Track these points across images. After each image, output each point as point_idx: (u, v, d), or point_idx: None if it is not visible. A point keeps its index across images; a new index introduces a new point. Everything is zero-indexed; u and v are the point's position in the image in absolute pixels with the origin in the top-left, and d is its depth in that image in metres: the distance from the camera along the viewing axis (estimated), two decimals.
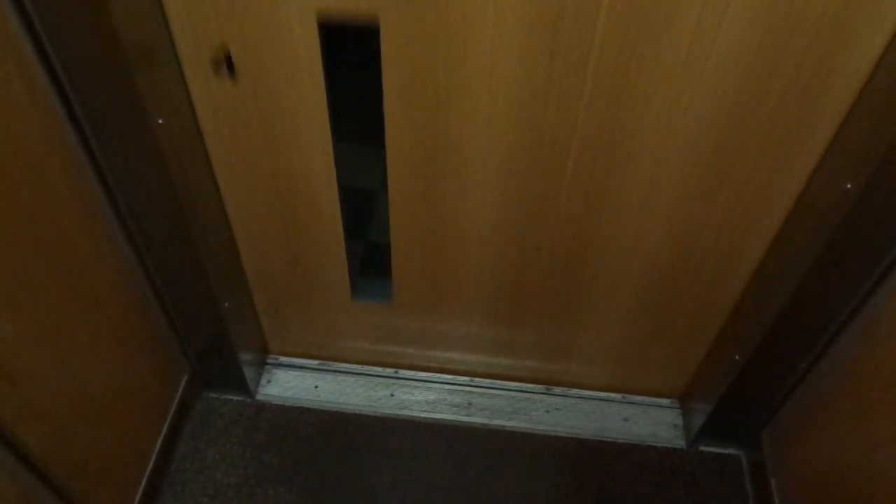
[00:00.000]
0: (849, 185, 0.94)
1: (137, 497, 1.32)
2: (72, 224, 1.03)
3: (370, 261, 1.42)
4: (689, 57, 0.91)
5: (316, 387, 1.59)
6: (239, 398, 1.56)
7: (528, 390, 1.61)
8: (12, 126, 0.87)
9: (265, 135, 1.09)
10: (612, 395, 1.60)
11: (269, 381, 1.60)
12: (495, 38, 0.91)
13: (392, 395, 1.58)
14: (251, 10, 0.92)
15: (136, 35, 0.90)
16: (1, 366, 0.90)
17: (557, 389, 1.61)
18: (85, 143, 1.02)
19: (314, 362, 1.63)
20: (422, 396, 1.59)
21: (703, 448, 1.53)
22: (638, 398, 1.60)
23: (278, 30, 0.94)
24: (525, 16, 0.88)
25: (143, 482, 1.34)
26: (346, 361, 1.62)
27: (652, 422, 1.57)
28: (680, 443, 1.54)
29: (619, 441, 1.54)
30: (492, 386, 1.61)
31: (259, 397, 1.57)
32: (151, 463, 1.37)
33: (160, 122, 0.98)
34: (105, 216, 1.11)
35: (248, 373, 1.51)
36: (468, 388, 1.61)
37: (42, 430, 1.00)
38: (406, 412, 1.56)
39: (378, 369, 1.62)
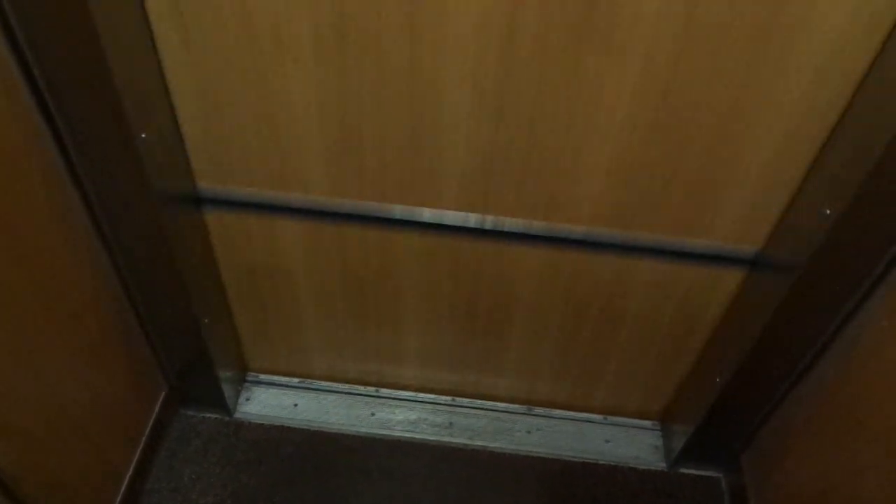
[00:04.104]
0: (828, 211, 0.95)
1: None
2: (50, 237, 1.01)
3: None
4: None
5: (296, 405, 1.57)
6: (217, 416, 1.54)
7: (510, 410, 1.60)
8: None
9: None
10: (594, 416, 1.60)
11: (248, 400, 1.57)
12: None
13: (373, 414, 1.57)
14: None
15: (123, 58, 0.89)
16: None
17: (539, 410, 1.60)
18: (65, 156, 1.01)
19: (294, 380, 1.61)
20: (403, 416, 1.57)
21: (683, 470, 1.53)
22: (619, 419, 1.60)
23: None
24: None
25: (117, 501, 1.31)
26: (327, 380, 1.61)
27: (633, 443, 1.56)
28: (661, 465, 1.53)
29: (601, 463, 1.53)
30: (474, 406, 1.60)
31: (238, 416, 1.55)
32: (126, 482, 1.34)
33: (143, 136, 0.98)
34: (84, 230, 1.09)
35: (227, 391, 1.49)
36: (450, 408, 1.59)
37: (13, 447, 0.98)
38: (387, 432, 1.54)
39: (359, 388, 1.61)
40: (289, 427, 1.53)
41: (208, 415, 1.53)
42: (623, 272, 1.22)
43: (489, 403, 1.60)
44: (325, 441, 1.52)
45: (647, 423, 1.60)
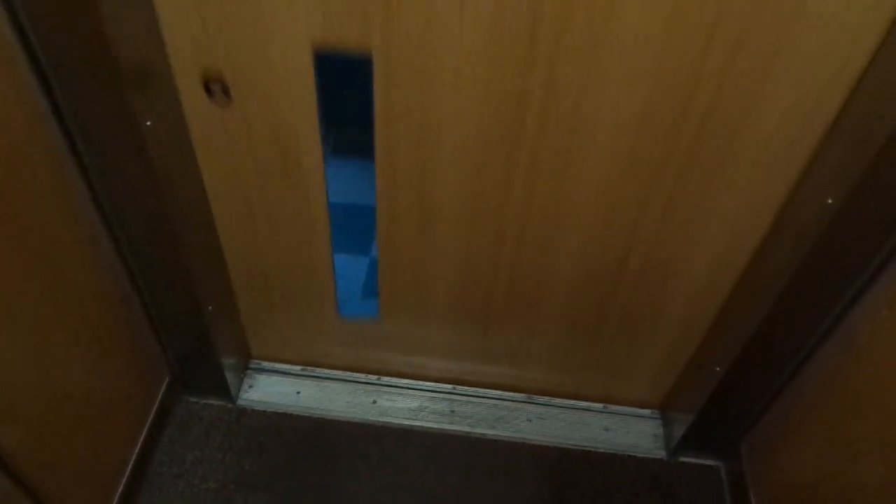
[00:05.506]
0: (830, 200, 0.96)
1: (114, 501, 1.30)
2: (54, 223, 1.02)
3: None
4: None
5: (298, 392, 1.58)
6: (220, 403, 1.55)
7: (511, 399, 1.61)
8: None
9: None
10: (594, 404, 1.61)
11: (250, 386, 1.58)
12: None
13: (374, 401, 1.58)
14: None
15: (129, 51, 0.90)
16: None
17: (539, 398, 1.61)
18: (70, 143, 1.01)
19: (297, 368, 1.62)
20: (404, 404, 1.58)
21: (682, 458, 1.54)
22: (619, 408, 1.61)
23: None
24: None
25: (121, 486, 1.33)
26: (329, 367, 1.61)
27: (633, 432, 1.58)
28: (660, 453, 1.54)
29: (600, 451, 1.54)
30: (474, 394, 1.61)
31: (240, 402, 1.56)
32: (129, 466, 1.36)
33: (147, 123, 0.98)
34: (89, 216, 1.10)
35: (230, 377, 1.50)
36: (451, 396, 1.60)
37: (17, 431, 0.99)
38: (388, 419, 1.55)
39: (361, 376, 1.62)
40: (291, 414, 1.54)
41: (211, 401, 1.54)
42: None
43: (489, 392, 1.61)
44: (326, 428, 1.53)
45: (646, 411, 1.61)
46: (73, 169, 1.04)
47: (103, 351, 1.22)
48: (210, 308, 1.31)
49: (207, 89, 1.00)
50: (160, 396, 1.46)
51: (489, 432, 1.55)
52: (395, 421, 1.55)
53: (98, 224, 1.13)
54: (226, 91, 1.01)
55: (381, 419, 1.55)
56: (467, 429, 1.55)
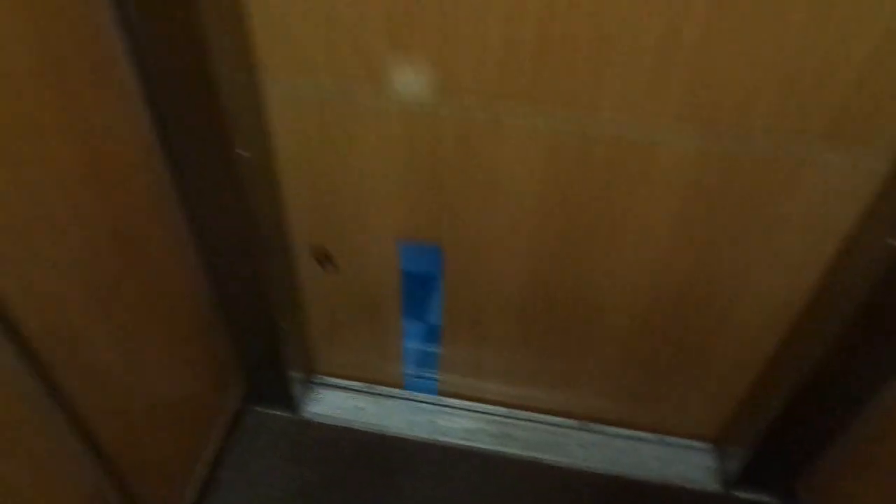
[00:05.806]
0: (892, 241, 0.97)
1: (187, 500, 1.39)
2: (156, 242, 1.11)
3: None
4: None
5: (360, 408, 1.64)
6: (286, 414, 1.62)
7: (565, 425, 1.63)
8: (117, 160, 0.97)
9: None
10: (648, 434, 1.62)
11: (315, 400, 1.66)
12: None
13: (432, 420, 1.63)
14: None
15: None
16: (93, 365, 0.99)
17: (593, 425, 1.63)
18: (172, 171, 1.11)
19: (359, 385, 1.68)
20: (461, 424, 1.63)
21: (737, 493, 1.53)
22: (673, 439, 1.61)
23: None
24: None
25: (194, 487, 1.41)
26: (391, 385, 1.68)
27: (686, 464, 1.58)
28: (714, 487, 1.54)
29: (652, 481, 1.55)
30: (529, 419, 1.64)
31: (305, 415, 1.63)
32: (202, 470, 1.44)
33: (244, 153, 1.07)
34: (183, 237, 1.20)
35: (297, 391, 1.57)
36: (506, 420, 1.64)
37: (116, 427, 1.07)
38: (445, 438, 1.60)
39: (421, 395, 1.67)
40: (352, 428, 1.60)
41: (278, 413, 1.62)
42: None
43: (544, 417, 1.64)
44: (385, 444, 1.59)
45: (702, 444, 1.61)
46: (173, 195, 1.13)
47: (187, 357, 1.31)
48: (283, 325, 1.39)
49: (318, 261, 1.35)
50: (232, 405, 1.55)
51: (541, 457, 1.58)
52: (451, 441, 1.59)
53: (191, 244, 1.22)
54: (330, 260, 1.34)
55: (438, 438, 1.60)
56: (520, 452, 1.58)
